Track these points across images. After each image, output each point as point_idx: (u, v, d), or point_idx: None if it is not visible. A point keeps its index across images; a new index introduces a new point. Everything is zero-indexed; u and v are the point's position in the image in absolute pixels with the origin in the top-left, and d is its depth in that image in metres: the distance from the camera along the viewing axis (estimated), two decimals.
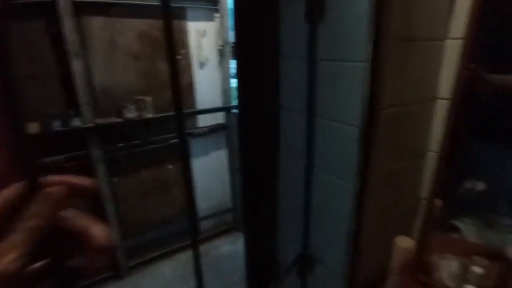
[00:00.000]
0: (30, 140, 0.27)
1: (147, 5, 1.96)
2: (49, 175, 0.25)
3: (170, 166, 2.35)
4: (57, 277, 0.25)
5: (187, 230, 2.43)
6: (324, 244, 1.01)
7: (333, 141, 0.89)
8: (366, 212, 0.87)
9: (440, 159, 0.92)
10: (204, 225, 2.64)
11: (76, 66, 1.77)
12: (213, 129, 2.47)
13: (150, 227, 2.35)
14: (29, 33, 1.67)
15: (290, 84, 1.02)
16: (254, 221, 1.22)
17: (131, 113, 1.99)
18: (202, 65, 2.32)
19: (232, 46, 2.37)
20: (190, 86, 2.30)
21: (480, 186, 1.04)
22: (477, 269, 0.83)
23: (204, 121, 2.43)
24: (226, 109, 2.50)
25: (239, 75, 1.10)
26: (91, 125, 1.87)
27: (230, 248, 2.57)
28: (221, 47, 2.35)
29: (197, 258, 0.86)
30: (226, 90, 2.46)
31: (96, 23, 1.84)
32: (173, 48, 0.69)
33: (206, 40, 2.28)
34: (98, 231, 0.25)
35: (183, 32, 2.17)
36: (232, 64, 2.46)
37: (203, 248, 2.42)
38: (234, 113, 2.49)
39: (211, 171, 2.57)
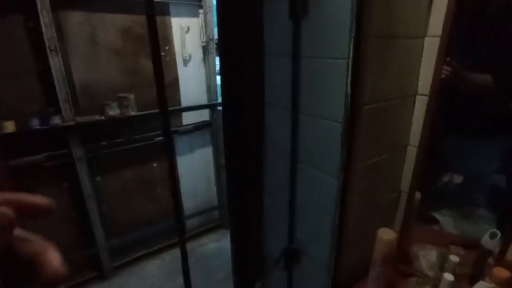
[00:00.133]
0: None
1: (129, 0, 1.91)
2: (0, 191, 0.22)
3: (154, 165, 2.32)
4: None
5: (172, 228, 2.41)
6: (309, 237, 1.03)
7: (317, 137, 0.90)
8: (349, 205, 0.89)
9: (419, 153, 0.95)
10: (190, 223, 2.63)
11: (55, 62, 1.71)
12: (198, 127, 2.46)
13: (135, 227, 2.32)
14: (4, 28, 1.60)
15: (274, 81, 1.03)
16: (240, 217, 1.23)
17: (113, 111, 1.95)
18: (186, 61, 2.29)
19: (216, 43, 2.35)
20: (174, 83, 2.27)
21: (458, 179, 1.09)
22: (454, 258, 0.87)
23: (189, 118, 2.41)
24: (211, 106, 2.49)
25: (223, 71, 1.10)
26: (72, 123, 1.82)
27: (216, 246, 2.57)
28: (205, 44, 2.33)
29: (184, 256, 0.85)
30: (210, 87, 2.45)
31: (74, 18, 1.79)
32: (157, 44, 0.68)
33: (190, 37, 2.26)
34: (51, 259, 0.22)
35: (167, 28, 2.13)
36: (217, 61, 2.44)
37: (189, 246, 2.41)
38: (219, 110, 2.48)
39: (196, 169, 2.56)
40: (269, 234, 1.25)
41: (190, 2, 2.19)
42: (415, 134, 1.01)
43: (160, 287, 2.15)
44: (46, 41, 1.66)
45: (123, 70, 2.02)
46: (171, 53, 2.20)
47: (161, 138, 2.22)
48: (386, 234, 0.82)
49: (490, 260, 0.85)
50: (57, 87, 1.74)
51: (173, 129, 2.30)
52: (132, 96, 2.02)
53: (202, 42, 2.32)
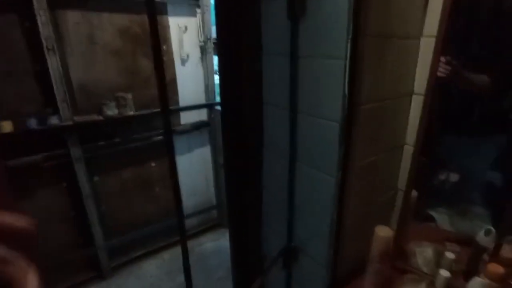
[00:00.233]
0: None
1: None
2: None
3: (153, 164, 2.32)
4: None
5: (171, 228, 2.42)
6: (307, 236, 1.04)
7: (315, 136, 0.91)
8: (347, 203, 0.90)
9: (415, 152, 0.96)
10: (189, 222, 2.63)
11: (52, 62, 1.71)
12: (196, 126, 2.46)
13: (133, 226, 2.32)
14: (1, 27, 1.60)
15: (272, 80, 1.04)
16: (239, 216, 1.24)
17: (111, 111, 1.95)
18: (184, 61, 2.29)
19: (214, 42, 2.36)
20: (172, 82, 2.27)
21: (454, 177, 1.10)
22: (449, 255, 0.89)
23: (187, 118, 2.41)
24: (209, 106, 2.49)
25: (221, 71, 1.10)
26: (70, 123, 1.82)
27: (215, 245, 2.58)
28: (203, 43, 2.33)
29: (185, 255, 0.86)
30: (208, 86, 2.45)
31: (72, 17, 1.78)
32: (158, 43, 0.68)
33: (187, 36, 2.26)
34: (30, 282, 0.21)
35: (164, 27, 2.14)
36: (215, 61, 2.45)
37: (188, 245, 2.42)
38: (217, 109, 2.49)
39: (195, 169, 2.56)
40: (268, 233, 1.26)
41: (188, 1, 2.19)
42: (411, 133, 1.02)
43: (159, 286, 2.15)
44: (43, 40, 1.65)
45: (121, 70, 2.02)
46: (169, 52, 2.20)
47: (159, 137, 2.22)
48: (383, 232, 0.83)
49: (485, 257, 0.86)
50: (54, 87, 1.74)
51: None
52: (130, 96, 2.02)
53: (200, 41, 2.32)
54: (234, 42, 1.03)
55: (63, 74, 1.77)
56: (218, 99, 2.50)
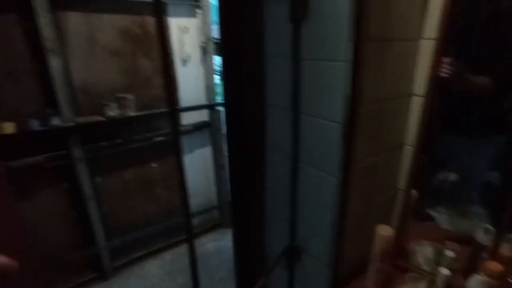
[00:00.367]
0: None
1: (127, 0, 1.92)
2: None
3: (154, 165, 2.33)
4: None
5: (172, 228, 2.43)
6: (310, 235, 1.05)
7: (317, 137, 0.92)
8: (349, 203, 0.91)
9: (415, 152, 0.98)
10: None
11: (53, 63, 1.72)
12: (197, 127, 2.46)
13: (135, 227, 2.33)
14: (2, 28, 1.60)
15: (275, 82, 1.05)
16: (242, 216, 1.25)
17: (113, 111, 1.96)
18: (184, 62, 2.30)
19: (216, 43, 2.37)
20: (173, 83, 2.28)
21: (453, 177, 1.11)
22: (449, 253, 0.90)
23: (188, 118, 2.42)
24: (210, 106, 2.50)
25: (225, 72, 1.11)
26: (72, 124, 1.82)
27: (217, 245, 2.59)
28: (203, 44, 2.34)
29: (192, 254, 0.87)
30: (209, 87, 2.45)
31: (73, 18, 1.79)
32: (165, 43, 0.69)
33: (188, 37, 2.26)
34: None
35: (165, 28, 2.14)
36: (215, 61, 2.45)
37: None
38: (218, 110, 2.50)
39: (196, 169, 2.57)
40: (270, 232, 1.27)
41: (188, 2, 2.20)
42: (411, 134, 1.03)
43: (160, 287, 2.16)
44: (45, 42, 1.66)
45: (122, 71, 2.03)
46: (170, 53, 2.21)
47: (160, 138, 2.23)
48: (384, 231, 0.85)
49: (484, 255, 0.88)
50: (57, 88, 1.74)
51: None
52: (131, 97, 2.03)
53: (201, 42, 2.33)
54: (237, 43, 1.04)
55: (64, 75, 1.77)
56: (219, 99, 2.51)
